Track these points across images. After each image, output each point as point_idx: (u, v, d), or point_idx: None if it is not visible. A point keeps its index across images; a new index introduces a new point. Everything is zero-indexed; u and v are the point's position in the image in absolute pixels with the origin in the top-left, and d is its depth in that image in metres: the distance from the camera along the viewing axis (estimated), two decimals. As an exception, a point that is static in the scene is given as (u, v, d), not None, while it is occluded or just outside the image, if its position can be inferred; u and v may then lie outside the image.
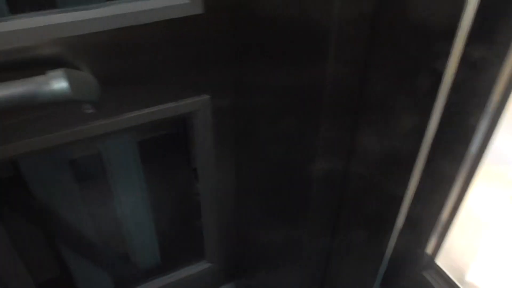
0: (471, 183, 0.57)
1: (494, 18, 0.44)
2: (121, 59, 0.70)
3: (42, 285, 0.98)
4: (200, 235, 1.12)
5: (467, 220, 0.62)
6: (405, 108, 0.54)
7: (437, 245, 0.66)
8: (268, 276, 1.05)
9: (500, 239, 0.63)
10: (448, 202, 0.60)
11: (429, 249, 0.66)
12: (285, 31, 0.63)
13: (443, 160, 0.57)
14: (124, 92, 0.74)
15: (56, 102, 0.60)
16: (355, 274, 0.78)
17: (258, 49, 0.73)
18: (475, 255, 0.67)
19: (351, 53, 0.56)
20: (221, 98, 0.84)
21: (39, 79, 0.59)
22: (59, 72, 0.59)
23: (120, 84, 0.73)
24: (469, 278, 0.66)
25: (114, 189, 1.02)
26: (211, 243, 1.11)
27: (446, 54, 0.45)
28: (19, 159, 0.83)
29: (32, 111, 0.69)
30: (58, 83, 0.58)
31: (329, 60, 0.55)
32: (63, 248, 1.03)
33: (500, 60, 0.44)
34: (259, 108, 0.81)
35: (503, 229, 0.62)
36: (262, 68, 0.74)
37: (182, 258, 1.18)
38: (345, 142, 0.66)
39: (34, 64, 0.65)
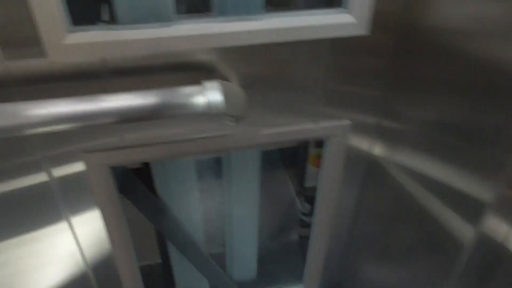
0: None
1: None
2: (271, 74, 0.66)
3: (143, 268, 1.00)
4: (301, 257, 1.06)
5: None
6: None
7: None
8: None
9: None
10: None
11: None
12: (472, 66, 0.53)
13: None
14: (266, 107, 0.70)
15: (207, 114, 0.57)
16: None
17: (423, 79, 0.64)
18: None
19: None
20: (362, 124, 0.76)
21: (194, 89, 0.57)
22: (215, 84, 0.57)
23: (263, 100, 0.69)
24: None
25: (227, 194, 1.00)
26: (312, 269, 1.05)
27: None
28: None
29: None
30: (214, 96, 0.56)
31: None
32: (167, 240, 1.04)
33: None
34: (406, 142, 0.72)
35: None
36: (422, 100, 0.66)
37: (278, 277, 1.13)
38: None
39: (184, 69, 0.64)
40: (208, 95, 0.55)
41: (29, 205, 0.71)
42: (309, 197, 1.10)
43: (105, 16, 0.68)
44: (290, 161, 1.31)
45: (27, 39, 0.55)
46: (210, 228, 1.16)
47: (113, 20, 0.62)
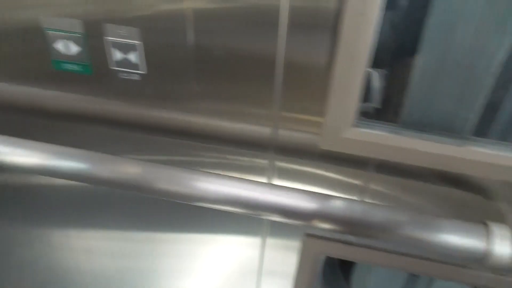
0: None
1: None
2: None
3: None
4: None
5: None
6: None
7: None
8: None
9: None
10: None
11: None
12: None
13: None
14: None
15: (477, 264, 0.47)
16: None
17: None
18: None
19: None
20: None
21: (474, 229, 0.47)
22: (507, 232, 0.46)
23: None
24: None
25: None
26: None
27: None
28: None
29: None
30: (502, 248, 0.45)
31: None
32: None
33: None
34: None
35: None
36: None
37: None
38: None
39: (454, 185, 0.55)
40: (496, 244, 0.45)
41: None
42: None
43: (375, 101, 0.64)
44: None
45: (307, 117, 0.54)
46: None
47: (387, 114, 0.57)
